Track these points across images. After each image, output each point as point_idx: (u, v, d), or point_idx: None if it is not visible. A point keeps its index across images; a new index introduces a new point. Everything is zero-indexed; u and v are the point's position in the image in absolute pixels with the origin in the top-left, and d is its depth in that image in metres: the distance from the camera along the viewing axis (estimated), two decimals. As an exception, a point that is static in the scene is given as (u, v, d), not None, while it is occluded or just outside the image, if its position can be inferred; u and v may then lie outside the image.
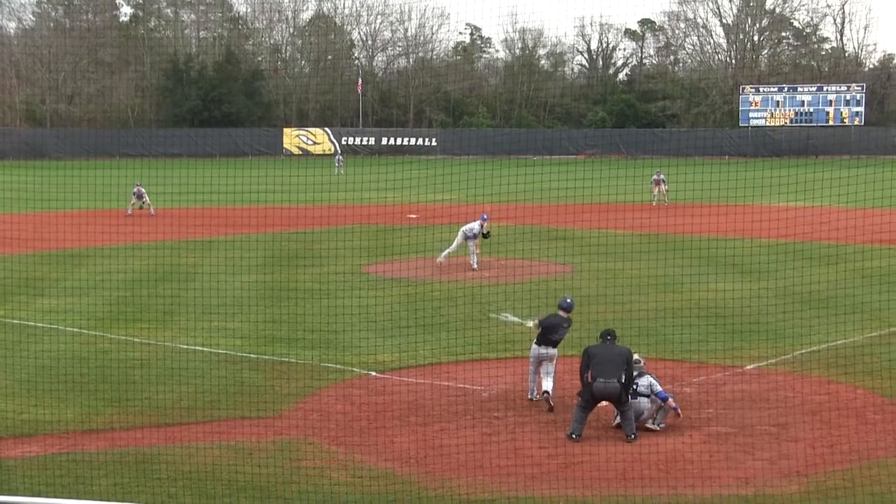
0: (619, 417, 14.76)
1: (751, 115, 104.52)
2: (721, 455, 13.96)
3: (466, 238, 30.15)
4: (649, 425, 14.81)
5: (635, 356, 15.11)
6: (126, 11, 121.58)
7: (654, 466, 13.46)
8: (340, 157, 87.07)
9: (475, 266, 29.78)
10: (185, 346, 19.90)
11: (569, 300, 16.39)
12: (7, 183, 65.52)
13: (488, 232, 30.79)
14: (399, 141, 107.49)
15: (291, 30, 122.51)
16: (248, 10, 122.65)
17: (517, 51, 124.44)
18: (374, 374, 18.07)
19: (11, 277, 28.24)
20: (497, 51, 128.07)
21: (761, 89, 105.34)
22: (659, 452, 13.93)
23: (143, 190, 48.04)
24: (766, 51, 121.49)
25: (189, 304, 24.51)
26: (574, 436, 14.50)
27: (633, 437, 14.42)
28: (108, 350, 19.77)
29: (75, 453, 13.89)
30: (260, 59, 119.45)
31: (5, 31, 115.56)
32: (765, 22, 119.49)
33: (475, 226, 30.49)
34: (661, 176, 51.10)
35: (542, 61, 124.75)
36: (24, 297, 25.25)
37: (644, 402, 14.82)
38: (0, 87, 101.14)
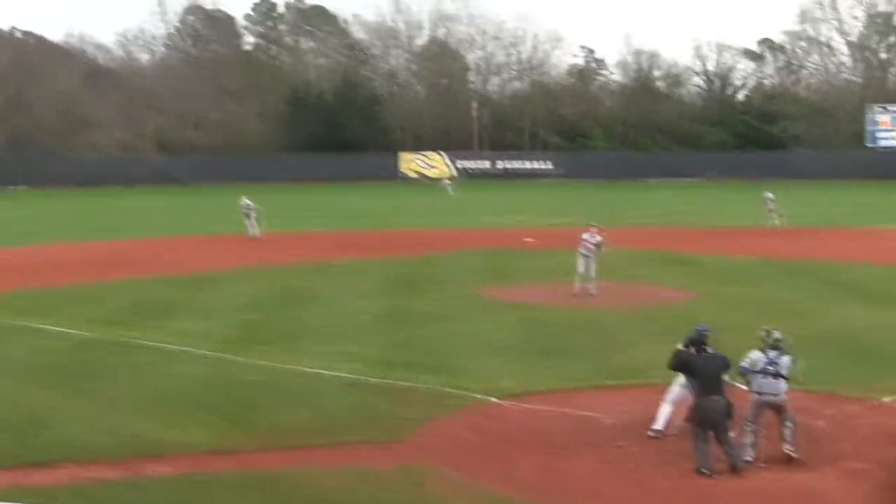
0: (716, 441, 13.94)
1: (878, 135, 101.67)
2: (859, 494, 13.40)
3: (585, 257, 29.61)
4: (788, 450, 14.25)
5: (775, 333, 14.43)
6: (249, 41, 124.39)
7: None
8: (448, 181, 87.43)
9: (593, 291, 29.32)
10: (308, 370, 20.07)
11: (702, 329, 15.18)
12: (140, 209, 67.64)
13: (600, 244, 29.90)
14: (514, 164, 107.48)
15: (407, 55, 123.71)
16: (365, 37, 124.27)
17: (632, 72, 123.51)
18: (494, 399, 17.94)
19: (143, 300, 28.98)
20: (612, 73, 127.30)
21: (889, 108, 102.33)
22: (792, 488, 13.45)
23: (251, 203, 47.20)
24: (894, 69, 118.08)
25: (311, 327, 24.80)
26: (705, 471, 13.79)
27: (741, 464, 13.84)
28: (234, 372, 20.06)
29: (204, 474, 14.10)
30: (376, 84, 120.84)
31: (138, 62, 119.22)
32: (892, 39, 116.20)
33: (586, 237, 29.81)
34: (770, 196, 49.77)
35: (658, 83, 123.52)
36: (156, 319, 25.83)
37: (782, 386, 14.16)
38: (133, 116, 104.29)
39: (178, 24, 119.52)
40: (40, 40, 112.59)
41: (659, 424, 15.69)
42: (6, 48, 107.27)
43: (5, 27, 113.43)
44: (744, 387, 14.94)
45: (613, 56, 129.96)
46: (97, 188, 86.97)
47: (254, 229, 46.53)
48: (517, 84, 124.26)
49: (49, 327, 24.59)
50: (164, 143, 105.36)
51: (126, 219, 59.47)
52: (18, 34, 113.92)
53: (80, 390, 18.60)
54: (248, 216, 46.96)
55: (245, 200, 47.30)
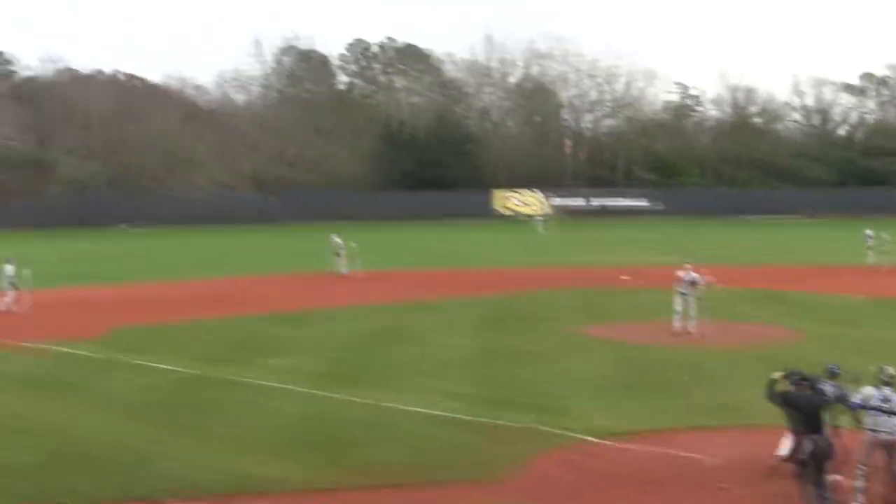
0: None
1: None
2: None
3: (682, 295, 29.31)
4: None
5: (889, 369, 13.82)
6: (343, 80, 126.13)
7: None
8: (541, 218, 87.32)
9: (693, 330, 28.97)
10: (403, 407, 20.18)
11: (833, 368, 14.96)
12: (237, 247, 68.78)
13: (695, 281, 29.51)
14: (609, 201, 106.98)
15: (500, 93, 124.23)
16: (458, 75, 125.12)
17: (728, 108, 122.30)
18: (591, 438, 17.83)
19: (242, 338, 29.48)
20: (707, 109, 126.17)
21: None
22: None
23: (340, 241, 47.63)
24: None
25: (406, 364, 24.97)
26: None
27: None
28: (331, 409, 20.25)
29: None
30: (470, 121, 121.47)
31: (235, 102, 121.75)
32: None
33: (681, 274, 29.51)
34: (870, 233, 48.75)
35: (755, 118, 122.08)
36: (254, 356, 26.24)
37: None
38: (230, 155, 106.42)
39: (273, 65, 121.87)
40: (142, 82, 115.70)
41: (782, 450, 15.34)
42: (109, 90, 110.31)
43: (108, 69, 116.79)
44: (843, 424, 14.63)
45: (709, 92, 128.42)
46: (196, 226, 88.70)
47: (343, 267, 47.04)
48: (611, 121, 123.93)
49: (152, 364, 25.14)
50: (260, 182, 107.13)
51: (224, 257, 60.57)
52: (121, 76, 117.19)
53: (184, 427, 18.97)
54: (337, 254, 47.56)
55: (335, 238, 47.92)
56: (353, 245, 47.82)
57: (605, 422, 18.80)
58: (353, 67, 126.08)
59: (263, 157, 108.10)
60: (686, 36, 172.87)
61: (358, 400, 20.85)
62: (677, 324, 28.95)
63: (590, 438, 17.82)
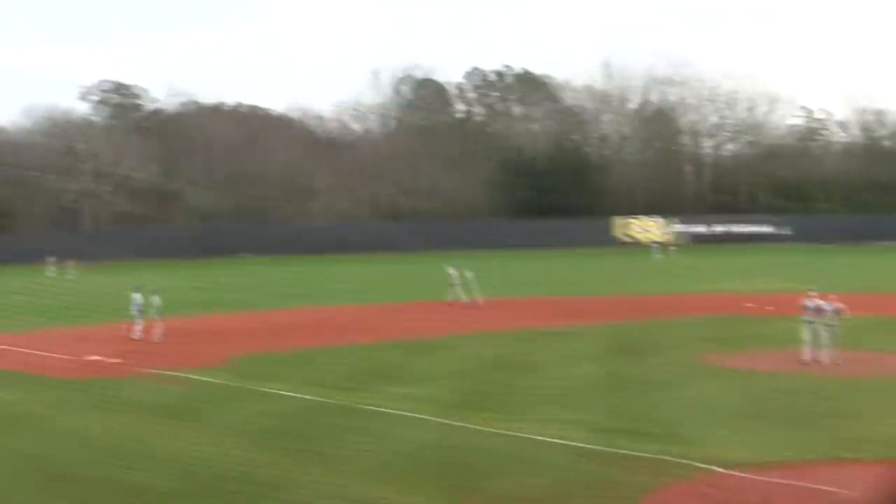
0: None
1: None
2: None
3: (809, 323, 28.65)
4: None
5: None
6: (461, 108, 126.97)
7: None
8: (662, 245, 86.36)
9: (825, 360, 28.25)
10: (528, 436, 20.14)
11: None
12: (359, 275, 69.60)
13: (820, 308, 28.74)
14: (732, 227, 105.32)
15: (619, 119, 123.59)
16: (577, 102, 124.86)
17: (856, 132, 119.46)
18: (720, 469, 17.55)
19: (366, 365, 29.83)
20: (834, 132, 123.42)
21: None
22: None
23: (454, 272, 47.94)
24: None
25: (529, 393, 24.94)
26: None
27: None
28: (456, 438, 20.32)
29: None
30: (588, 148, 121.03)
31: (355, 132, 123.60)
32: None
33: (806, 303, 28.83)
34: None
35: (885, 141, 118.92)
36: (378, 384, 26.51)
37: None
38: (350, 184, 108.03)
39: (391, 94, 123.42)
40: (264, 113, 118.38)
41: None
42: (232, 122, 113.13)
43: (231, 101, 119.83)
44: None
45: (835, 115, 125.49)
46: (317, 255, 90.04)
47: (462, 295, 47.32)
48: (732, 145, 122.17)
49: (278, 391, 25.59)
50: (380, 210, 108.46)
51: (346, 285, 61.35)
52: (243, 108, 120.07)
53: (310, 455, 19.23)
54: (453, 284, 47.93)
55: (449, 269, 48.36)
56: (469, 274, 48.01)
57: (734, 452, 18.48)
58: (471, 95, 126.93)
59: (382, 186, 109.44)
60: (810, 59, 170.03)
61: (485, 429, 20.87)
62: (807, 353, 28.32)
63: (719, 469, 17.53)
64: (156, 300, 36.87)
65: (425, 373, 28.26)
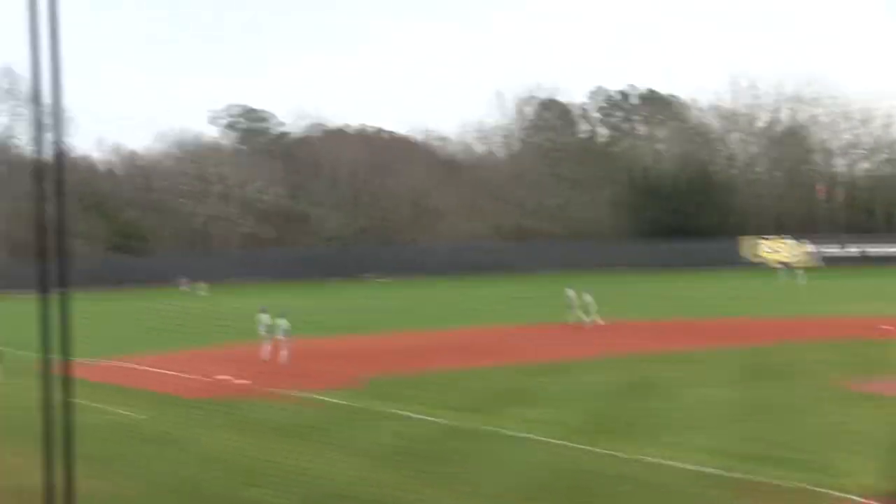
0: None
1: None
2: None
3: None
4: None
5: None
6: (586, 128, 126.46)
7: None
8: (794, 266, 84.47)
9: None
10: (664, 462, 19.91)
11: None
12: (486, 296, 69.74)
13: None
14: (870, 248, 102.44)
15: (748, 138, 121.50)
16: (705, 121, 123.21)
17: None
18: (858, 499, 17.10)
19: (495, 388, 29.90)
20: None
21: None
22: None
23: (573, 294, 48.10)
24: None
25: (659, 417, 24.67)
26: None
27: None
28: (586, 462, 20.23)
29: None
30: (717, 167, 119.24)
31: (479, 153, 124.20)
32: None
33: None
34: None
35: None
36: (508, 406, 26.55)
37: None
38: (475, 205, 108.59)
39: (515, 115, 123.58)
40: (389, 135, 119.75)
41: None
42: (358, 144, 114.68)
43: (356, 124, 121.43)
44: None
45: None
46: (443, 276, 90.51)
47: (580, 318, 47.24)
48: (867, 164, 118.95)
49: (407, 413, 25.84)
50: (504, 231, 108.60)
51: (471, 306, 61.52)
52: (369, 130, 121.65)
53: (435, 476, 19.36)
54: (571, 306, 47.87)
55: (568, 291, 48.43)
56: (588, 296, 47.79)
57: (873, 482, 17.97)
58: (596, 115, 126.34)
59: (507, 207, 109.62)
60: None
61: (612, 453, 20.72)
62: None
63: (858, 499, 17.11)
64: (283, 322, 37.45)
65: (551, 396, 28.19)
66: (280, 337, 37.01)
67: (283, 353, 36.56)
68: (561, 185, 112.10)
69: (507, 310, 58.69)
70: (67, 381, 9.76)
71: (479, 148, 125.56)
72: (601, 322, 46.41)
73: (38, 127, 10.03)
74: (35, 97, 9.81)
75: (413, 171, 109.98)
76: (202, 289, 77.26)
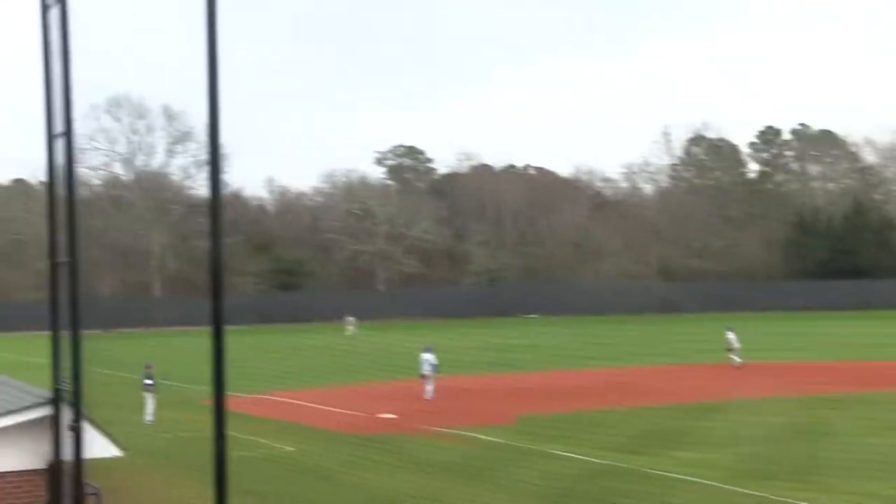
0: None
1: None
2: None
3: None
4: None
5: None
6: (753, 168, 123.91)
7: None
8: None
9: None
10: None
11: None
12: (644, 336, 68.79)
13: None
14: None
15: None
16: (877, 160, 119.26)
17: None
18: None
19: (650, 428, 29.30)
20: None
21: None
22: None
23: (733, 334, 47.35)
24: None
25: (825, 462, 23.71)
26: None
27: None
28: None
29: None
30: (889, 207, 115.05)
31: (642, 193, 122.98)
32: None
33: None
34: None
35: None
36: (662, 447, 25.96)
37: None
38: (636, 245, 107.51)
39: (681, 155, 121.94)
40: (552, 175, 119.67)
41: None
42: (521, 184, 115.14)
43: (520, 164, 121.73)
44: None
45: None
46: (602, 316, 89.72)
47: (738, 358, 46.34)
48: None
49: (560, 452, 25.50)
50: (666, 271, 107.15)
51: (629, 346, 60.71)
52: (532, 170, 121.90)
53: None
54: (730, 348, 47.16)
55: (728, 332, 47.56)
56: (731, 336, 46.89)
57: None
58: (765, 155, 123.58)
59: (670, 247, 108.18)
60: None
61: (775, 498, 19.96)
62: None
63: None
64: (431, 357, 37.51)
65: (711, 438, 27.43)
66: (427, 372, 37.16)
67: (429, 389, 36.77)
68: (727, 225, 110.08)
69: (666, 349, 57.67)
70: (223, 415, 9.95)
71: (645, 187, 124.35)
72: (759, 364, 45.68)
73: (214, 168, 10.31)
74: (212, 140, 10.08)
75: (575, 210, 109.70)
76: (356, 325, 78.40)
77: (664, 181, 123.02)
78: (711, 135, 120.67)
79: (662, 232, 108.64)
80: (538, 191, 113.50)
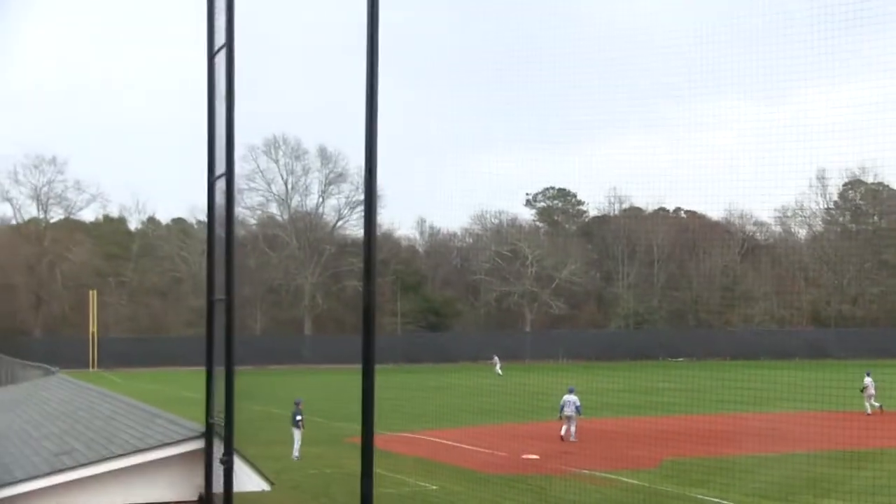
0: None
1: None
2: None
3: None
4: None
5: None
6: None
7: None
8: None
9: None
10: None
11: None
12: (793, 382, 66.88)
13: None
14: None
15: None
16: None
17: None
18: None
19: (797, 476, 28.67)
20: None
21: None
22: None
23: (869, 380, 47.25)
24: None
25: None
26: None
27: None
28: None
29: None
30: None
31: (795, 237, 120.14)
32: None
33: None
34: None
35: None
36: (810, 496, 25.39)
37: None
38: (788, 290, 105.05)
39: (837, 199, 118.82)
40: (703, 219, 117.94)
41: None
42: (671, 227, 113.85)
43: (671, 207, 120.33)
44: None
45: None
46: (752, 360, 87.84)
47: (875, 405, 46.17)
48: None
49: (707, 497, 25.13)
50: (819, 317, 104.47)
51: (778, 391, 59.15)
52: (683, 214, 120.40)
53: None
54: (869, 393, 46.94)
55: (867, 378, 47.02)
56: (868, 383, 46.48)
57: None
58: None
59: (823, 293, 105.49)
60: None
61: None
62: None
63: None
64: (573, 398, 37.35)
65: (861, 487, 26.61)
66: (570, 413, 37.01)
67: (572, 430, 36.64)
68: (882, 271, 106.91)
69: (814, 395, 56.00)
70: (371, 453, 10.25)
71: (798, 231, 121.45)
72: (876, 409, 45.59)
73: (369, 210, 10.71)
74: (368, 181, 10.48)
75: (725, 253, 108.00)
76: (500, 366, 78.42)
77: (818, 226, 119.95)
78: (869, 179, 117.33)
79: (815, 277, 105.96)
80: (688, 234, 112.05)
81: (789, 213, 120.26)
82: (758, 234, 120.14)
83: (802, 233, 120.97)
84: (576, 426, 36.92)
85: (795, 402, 51.78)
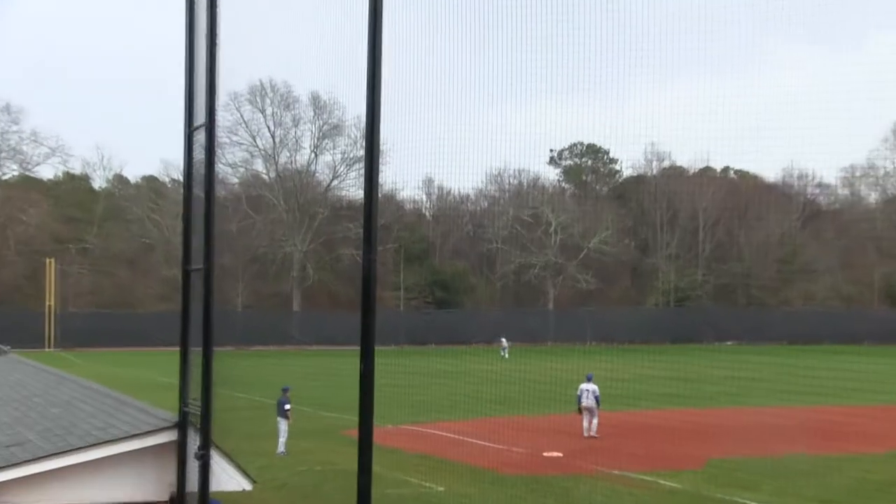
0: None
1: None
2: None
3: None
4: None
5: None
6: None
7: None
8: None
9: None
10: None
11: None
12: (864, 371, 66.93)
13: None
14: None
15: None
16: None
17: None
18: None
19: (866, 479, 28.70)
20: None
21: None
22: None
23: None
24: None
25: None
26: None
27: None
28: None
29: None
30: None
31: (866, 202, 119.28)
32: None
33: None
34: None
35: None
36: (879, 501, 25.44)
37: None
38: (857, 263, 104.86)
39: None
40: (756, 180, 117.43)
41: None
42: (718, 189, 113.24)
43: (718, 166, 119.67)
44: None
45: None
46: (811, 345, 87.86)
47: None
48: None
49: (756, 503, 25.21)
50: (893, 294, 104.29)
51: (844, 381, 59.16)
52: (732, 174, 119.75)
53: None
54: None
55: None
56: None
57: None
58: None
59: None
60: None
61: None
62: None
63: None
64: (593, 387, 37.27)
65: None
66: (589, 404, 36.98)
67: (594, 423, 36.71)
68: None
69: (889, 387, 56.11)
70: (369, 446, 10.28)
71: (870, 195, 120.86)
72: None
73: (371, 167, 10.69)
74: (369, 134, 10.47)
75: (782, 221, 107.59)
76: (507, 350, 78.28)
77: (892, 188, 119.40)
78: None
79: (888, 248, 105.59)
80: (739, 197, 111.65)
81: (858, 174, 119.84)
82: (821, 197, 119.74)
83: (874, 196, 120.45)
84: (597, 419, 36.92)
85: (864, 394, 51.90)
